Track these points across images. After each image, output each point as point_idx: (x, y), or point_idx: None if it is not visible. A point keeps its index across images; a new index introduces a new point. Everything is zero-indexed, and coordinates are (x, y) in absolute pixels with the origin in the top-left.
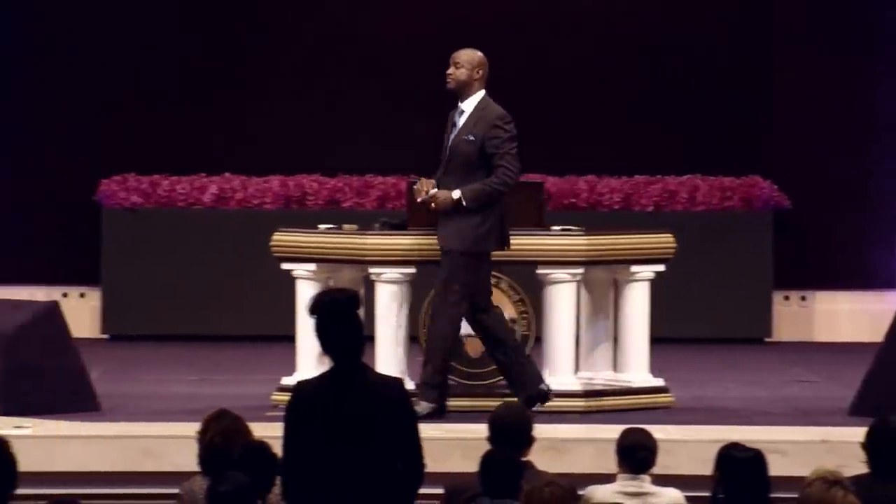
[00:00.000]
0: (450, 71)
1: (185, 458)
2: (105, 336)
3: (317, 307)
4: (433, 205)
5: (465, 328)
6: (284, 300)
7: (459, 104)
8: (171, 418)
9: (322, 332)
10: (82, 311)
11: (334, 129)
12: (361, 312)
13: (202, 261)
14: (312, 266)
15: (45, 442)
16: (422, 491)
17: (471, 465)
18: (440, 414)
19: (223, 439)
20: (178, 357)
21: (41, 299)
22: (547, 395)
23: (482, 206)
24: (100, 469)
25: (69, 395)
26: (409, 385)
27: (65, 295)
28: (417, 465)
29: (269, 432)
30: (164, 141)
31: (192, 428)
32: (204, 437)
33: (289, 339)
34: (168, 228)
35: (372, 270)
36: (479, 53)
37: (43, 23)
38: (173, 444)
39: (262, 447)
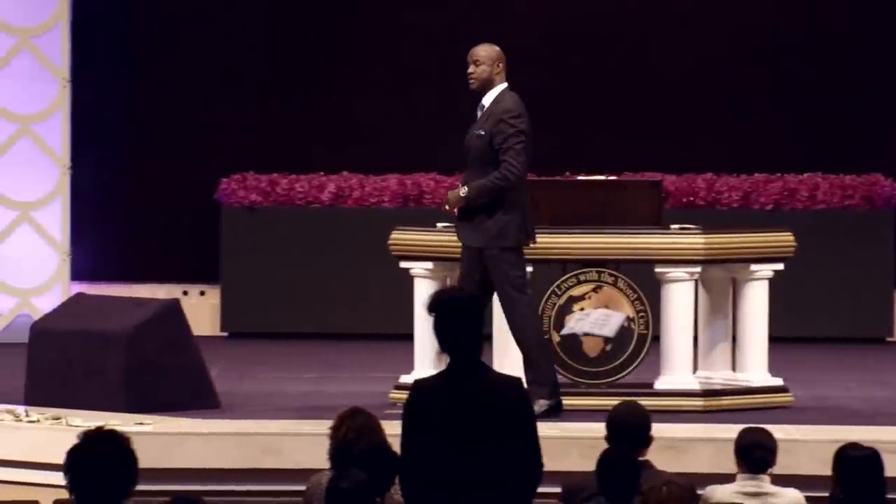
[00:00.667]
0: (470, 70)
1: (305, 455)
2: (224, 334)
3: (436, 305)
4: (447, 206)
5: (583, 326)
6: (402, 298)
7: (482, 99)
8: (290, 416)
9: (440, 330)
10: (202, 309)
11: (452, 127)
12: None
13: (320, 259)
14: (430, 265)
15: (165, 439)
16: (539, 489)
17: (588, 465)
18: (557, 411)
19: (357, 436)
20: (297, 355)
21: (162, 297)
22: None
23: (492, 202)
24: (219, 466)
25: (190, 393)
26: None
27: (185, 293)
28: (535, 464)
29: (387, 430)
30: (282, 140)
31: (312, 425)
32: (337, 433)
33: (407, 337)
34: (286, 227)
35: None
36: (497, 48)
37: (165, 24)
38: (292, 442)
39: (383, 446)
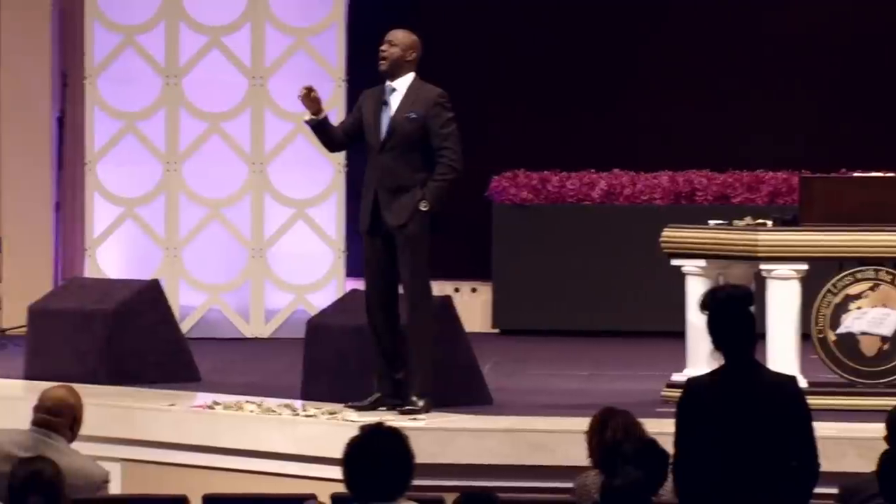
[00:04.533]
0: (383, 48)
1: (576, 452)
2: (496, 330)
3: (710, 303)
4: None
5: (860, 325)
6: (674, 296)
7: (389, 83)
8: (561, 413)
9: (714, 328)
10: (474, 306)
11: (724, 123)
12: (753, 309)
13: (591, 256)
14: (702, 262)
15: (437, 434)
16: (815, 490)
17: (866, 466)
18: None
19: (626, 434)
20: (568, 352)
21: (434, 294)
22: None
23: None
24: (490, 462)
25: (462, 388)
26: (803, 383)
27: (457, 290)
28: (812, 464)
29: (659, 428)
30: (554, 138)
31: (583, 423)
32: (602, 434)
33: (678, 334)
34: (557, 224)
35: (763, 267)
36: (413, 36)
37: (437, 23)
38: (564, 439)
39: (653, 443)
